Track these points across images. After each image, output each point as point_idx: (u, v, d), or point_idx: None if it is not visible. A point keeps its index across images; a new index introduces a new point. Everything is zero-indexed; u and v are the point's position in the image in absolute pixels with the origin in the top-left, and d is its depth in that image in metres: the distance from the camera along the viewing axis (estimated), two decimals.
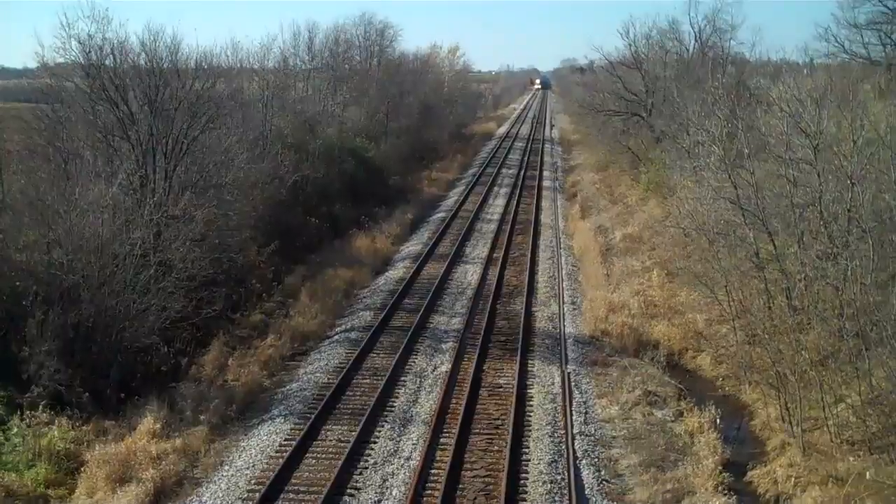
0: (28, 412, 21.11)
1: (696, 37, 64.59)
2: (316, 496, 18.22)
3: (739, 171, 26.82)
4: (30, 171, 29.34)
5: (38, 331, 22.95)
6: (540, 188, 64.02)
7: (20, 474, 19.30)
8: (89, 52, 32.55)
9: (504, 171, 74.90)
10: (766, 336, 23.01)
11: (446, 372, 25.62)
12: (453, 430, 21.44)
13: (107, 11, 32.68)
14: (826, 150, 23.85)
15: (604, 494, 19.16)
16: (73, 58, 33.21)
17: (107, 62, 32.93)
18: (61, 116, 32.33)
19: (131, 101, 31.80)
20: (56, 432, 20.67)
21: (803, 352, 21.28)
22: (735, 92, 36.11)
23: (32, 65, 37.51)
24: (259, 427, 22.19)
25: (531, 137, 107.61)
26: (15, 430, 20.82)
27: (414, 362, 26.78)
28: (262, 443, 21.11)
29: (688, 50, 65.01)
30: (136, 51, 33.85)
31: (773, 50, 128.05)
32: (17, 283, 24.33)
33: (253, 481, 19.10)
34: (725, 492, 18.99)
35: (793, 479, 19.30)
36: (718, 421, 22.37)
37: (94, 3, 33.52)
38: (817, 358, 21.52)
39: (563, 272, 38.44)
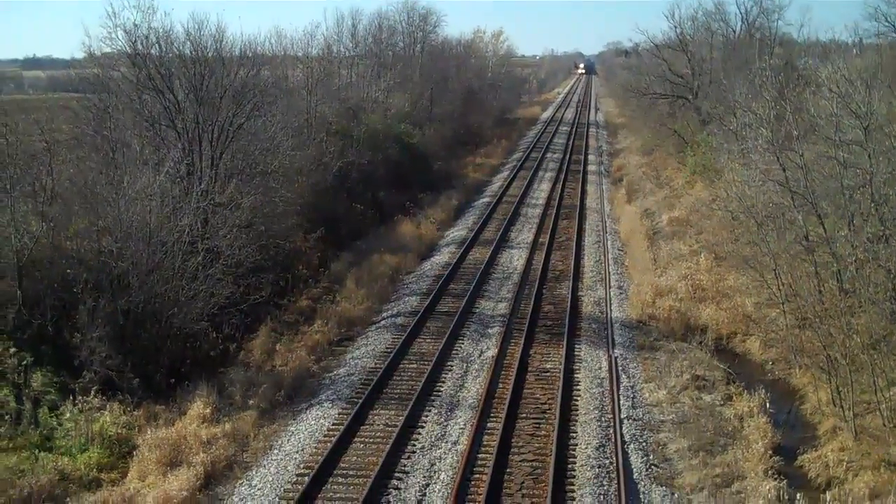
0: (80, 397, 21.39)
1: (742, 18, 63.85)
2: (364, 480, 18.32)
3: (788, 153, 26.49)
4: (78, 160, 29.67)
5: (89, 317, 23.26)
6: (585, 172, 63.73)
7: (73, 458, 19.60)
8: (135, 41, 32.90)
9: (549, 155, 74.61)
10: (817, 319, 22.74)
11: (493, 356, 25.62)
12: (500, 415, 21.45)
13: (152, 1, 33.02)
14: (877, 132, 23.45)
15: (652, 479, 19.07)
16: (119, 47, 33.59)
17: (152, 51, 33.26)
18: (108, 106, 32.61)
19: (177, 90, 32.09)
20: (108, 417, 20.97)
21: (854, 335, 21.00)
22: (783, 73, 35.68)
23: (80, 55, 37.95)
24: (307, 412, 22.34)
25: (576, 121, 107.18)
26: (68, 415, 21.14)
27: (460, 347, 26.80)
28: (311, 427, 21.25)
29: (734, 31, 64.28)
30: (182, 40, 34.21)
31: (821, 30, 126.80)
32: (68, 271, 24.64)
33: (302, 465, 19.24)
34: (776, 476, 18.82)
35: (844, 463, 19.11)
36: (768, 405, 22.19)
37: None
38: (869, 341, 21.22)
39: (610, 256, 38.24)
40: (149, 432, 20.47)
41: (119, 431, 20.67)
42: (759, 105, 30.08)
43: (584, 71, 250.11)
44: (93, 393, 21.64)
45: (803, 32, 66.34)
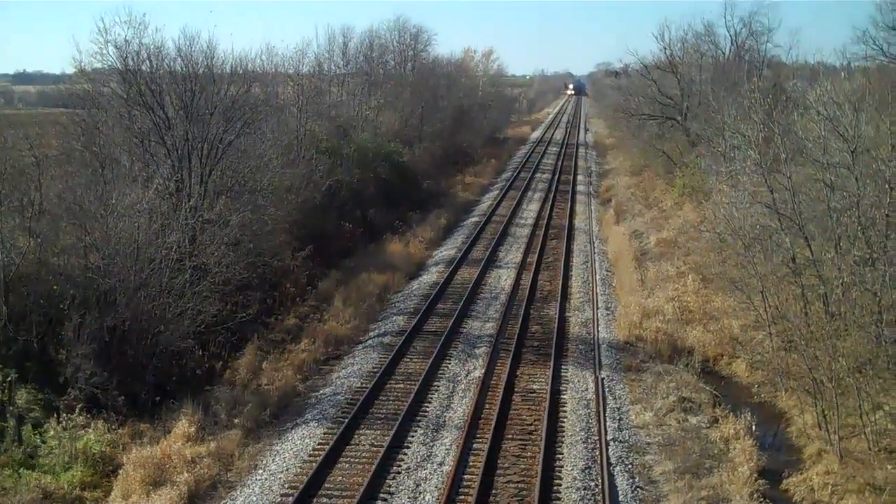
0: (65, 415, 21.26)
1: (732, 40, 64.33)
2: (349, 500, 18.27)
3: (776, 175, 26.58)
4: (67, 176, 29.59)
5: (75, 334, 23.15)
6: (574, 192, 63.89)
7: (56, 476, 19.46)
8: (126, 57, 32.93)
9: (538, 175, 74.79)
10: (803, 342, 22.77)
11: (479, 377, 25.59)
12: (486, 436, 21.40)
13: (143, 17, 33.05)
14: (864, 154, 23.56)
15: (638, 501, 19.04)
16: (109, 63, 33.63)
17: (143, 67, 33.28)
18: (98, 121, 32.61)
19: (167, 106, 32.10)
20: (92, 435, 20.84)
21: (840, 358, 21.03)
22: (771, 95, 35.82)
23: (70, 70, 37.91)
24: (293, 431, 22.26)
25: (565, 142, 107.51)
26: (52, 432, 20.97)
27: (447, 367, 26.77)
28: (296, 447, 21.17)
29: (724, 53, 64.69)
30: (172, 56, 34.22)
31: (809, 53, 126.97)
32: (55, 287, 24.54)
33: (286, 485, 19.15)
34: (761, 499, 18.85)
35: (829, 487, 19.11)
36: (754, 428, 22.16)
37: (130, 9, 33.77)
38: (855, 365, 21.26)
39: (598, 277, 38.29)
40: (133, 451, 20.34)
41: (103, 449, 20.54)
42: (748, 127, 30.16)
43: (573, 92, 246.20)
44: (77, 410, 21.53)
45: (792, 55, 66.61)
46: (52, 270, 25.55)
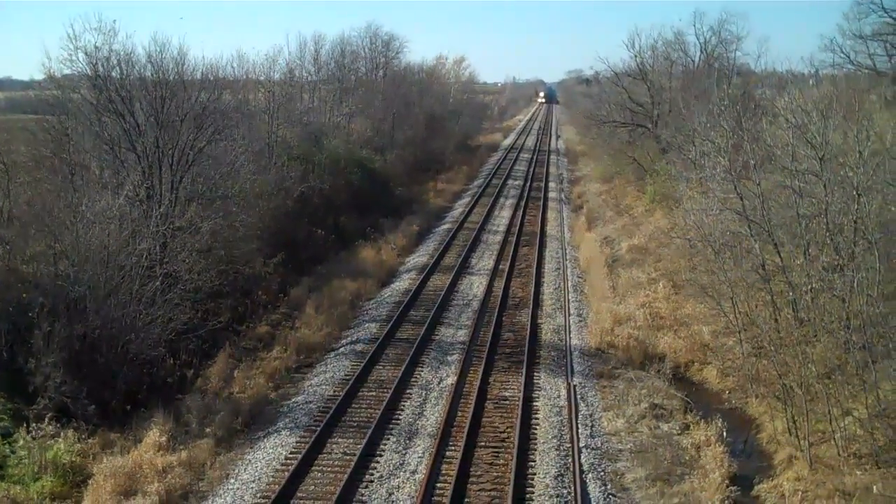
0: (34, 424, 21.09)
1: (701, 48, 64.99)
2: None
3: (745, 182, 26.82)
4: (36, 183, 29.43)
5: (45, 342, 22.96)
6: (546, 199, 64.04)
7: (26, 487, 19.30)
8: (96, 63, 32.82)
9: (510, 182, 74.89)
10: (773, 348, 22.96)
11: (452, 384, 25.59)
12: (459, 443, 21.39)
13: (114, 24, 32.91)
14: (832, 161, 23.81)
15: None
16: (79, 69, 33.52)
17: (113, 74, 33.15)
18: (67, 128, 32.40)
19: (137, 113, 31.95)
20: (62, 444, 20.66)
21: (810, 364, 21.22)
22: (741, 103, 36.05)
23: (39, 76, 37.74)
24: (265, 440, 22.16)
25: (537, 149, 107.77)
26: (21, 442, 20.80)
27: (420, 374, 26.74)
28: (268, 455, 21.07)
29: (693, 61, 65.33)
30: (143, 62, 34.12)
31: (778, 61, 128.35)
32: (24, 295, 24.36)
33: (259, 494, 19.05)
34: None
35: (800, 493, 19.21)
36: (725, 434, 22.26)
37: (101, 16, 33.58)
38: (824, 370, 21.47)
39: (569, 284, 38.40)
40: (104, 460, 20.18)
41: (73, 459, 20.37)
42: (718, 134, 30.41)
43: (544, 100, 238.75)
44: (47, 420, 21.35)
45: (761, 63, 67.29)
46: (21, 278, 25.36)
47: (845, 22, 54.51)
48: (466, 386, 25.70)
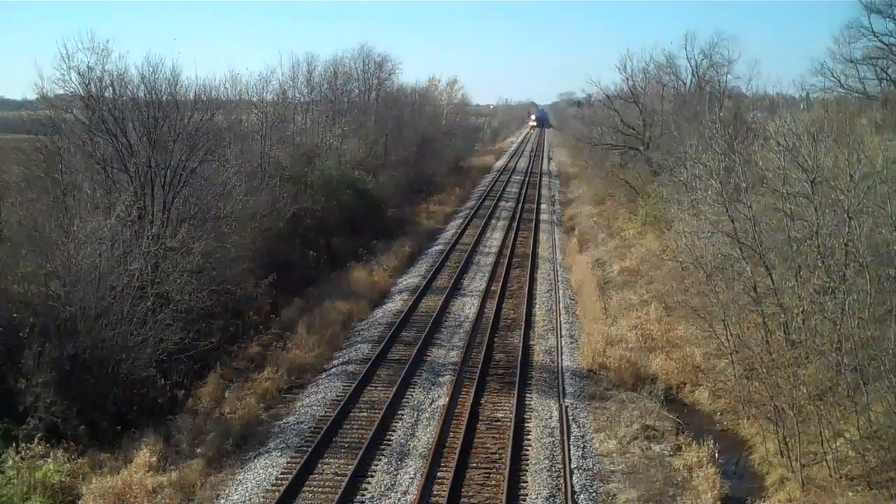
0: (23, 445, 21.00)
1: (692, 71, 65.33)
2: None
3: (737, 204, 26.88)
4: (28, 203, 29.37)
5: (35, 362, 22.90)
6: (538, 221, 64.09)
7: None
8: (89, 83, 32.78)
9: (502, 203, 74.97)
10: (764, 370, 22.99)
11: (444, 405, 25.54)
12: (451, 464, 21.31)
13: (107, 44, 32.91)
14: (823, 185, 23.93)
15: None
16: (72, 89, 33.45)
17: (106, 94, 33.14)
18: (60, 148, 32.36)
19: (130, 133, 31.96)
20: (51, 465, 20.56)
21: (801, 386, 21.25)
22: (732, 126, 36.21)
23: (32, 96, 37.68)
24: (255, 460, 22.06)
25: (529, 171, 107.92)
26: (10, 462, 20.69)
27: (411, 395, 26.69)
28: (259, 476, 20.97)
29: (685, 84, 65.70)
30: (136, 83, 34.14)
31: (769, 84, 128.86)
32: (15, 315, 24.27)
33: None
34: None
35: None
36: (717, 455, 22.27)
37: (94, 36, 33.55)
38: (815, 392, 21.48)
39: (561, 305, 38.40)
40: (93, 481, 20.09)
41: (63, 480, 20.26)
42: (709, 157, 30.51)
43: (535, 123, 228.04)
44: (36, 440, 21.27)
45: (752, 86, 67.45)
46: (12, 298, 25.25)
47: (836, 46, 54.91)
48: (458, 407, 25.65)
